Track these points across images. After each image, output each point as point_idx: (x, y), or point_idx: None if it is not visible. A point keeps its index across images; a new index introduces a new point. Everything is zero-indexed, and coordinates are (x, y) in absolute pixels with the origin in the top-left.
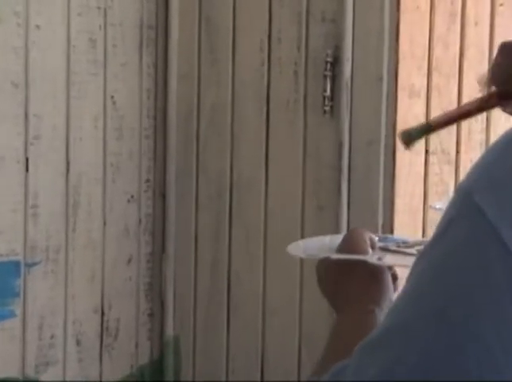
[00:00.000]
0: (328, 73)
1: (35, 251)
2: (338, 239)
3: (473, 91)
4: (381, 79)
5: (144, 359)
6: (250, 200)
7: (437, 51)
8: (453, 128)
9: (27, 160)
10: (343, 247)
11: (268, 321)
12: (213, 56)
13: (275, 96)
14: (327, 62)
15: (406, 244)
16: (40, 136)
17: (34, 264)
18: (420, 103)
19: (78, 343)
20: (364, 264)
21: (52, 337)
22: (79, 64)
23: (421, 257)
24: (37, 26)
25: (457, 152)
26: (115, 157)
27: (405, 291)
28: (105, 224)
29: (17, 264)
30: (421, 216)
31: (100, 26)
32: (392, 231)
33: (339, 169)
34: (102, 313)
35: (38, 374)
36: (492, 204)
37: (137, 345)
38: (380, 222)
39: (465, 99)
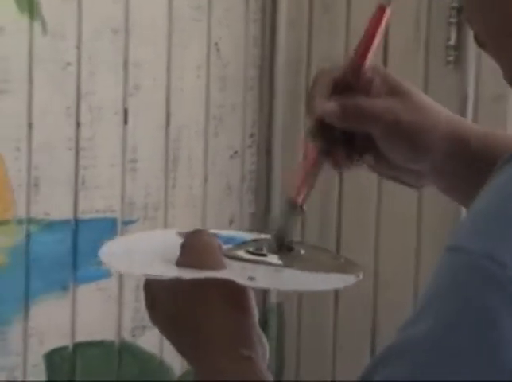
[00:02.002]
0: (453, 20)
1: (132, 208)
2: (162, 238)
3: None
4: None
5: None
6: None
7: None
8: None
9: (126, 111)
10: (189, 258)
11: (380, 294)
12: (326, 2)
13: (394, 46)
14: (452, 8)
15: (251, 246)
16: (140, 86)
17: (131, 222)
18: None
19: None
20: (223, 284)
21: None
22: (182, 10)
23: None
24: None
25: None
26: (218, 109)
27: None
28: (206, 180)
29: (113, 222)
30: None
31: None
32: None
33: None
34: None
35: (135, 338)
36: None
37: None
38: None
39: None
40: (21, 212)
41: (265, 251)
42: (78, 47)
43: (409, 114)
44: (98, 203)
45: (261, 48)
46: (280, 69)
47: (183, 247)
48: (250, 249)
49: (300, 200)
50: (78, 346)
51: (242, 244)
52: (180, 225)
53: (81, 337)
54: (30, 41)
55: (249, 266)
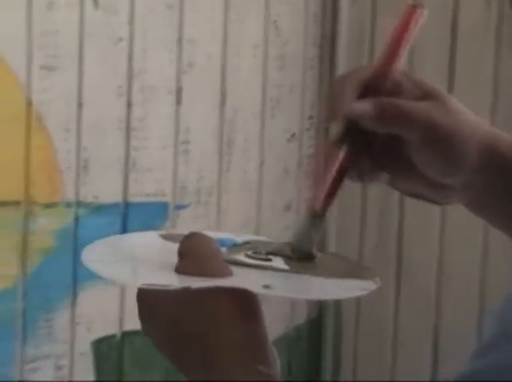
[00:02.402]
0: None
1: (185, 192)
2: (145, 242)
3: None
4: None
5: (300, 319)
6: None
7: None
8: None
9: (179, 90)
10: (191, 265)
11: (444, 287)
12: None
13: (463, 24)
14: None
15: (247, 249)
16: (194, 64)
17: (183, 207)
18: None
19: None
20: (233, 293)
21: None
22: None
23: None
24: None
25: None
26: (276, 89)
27: None
28: (262, 164)
29: (164, 206)
30: None
31: None
32: None
33: None
34: None
35: None
36: None
37: (292, 304)
38: None
39: None
40: (70, 195)
41: (264, 255)
42: (130, 22)
43: (447, 118)
44: (149, 186)
45: (321, 26)
46: (341, 48)
47: (182, 252)
48: (249, 253)
49: (323, 211)
50: (126, 335)
51: (235, 247)
52: (234, 211)
53: (130, 326)
54: (81, 16)
55: (257, 272)
